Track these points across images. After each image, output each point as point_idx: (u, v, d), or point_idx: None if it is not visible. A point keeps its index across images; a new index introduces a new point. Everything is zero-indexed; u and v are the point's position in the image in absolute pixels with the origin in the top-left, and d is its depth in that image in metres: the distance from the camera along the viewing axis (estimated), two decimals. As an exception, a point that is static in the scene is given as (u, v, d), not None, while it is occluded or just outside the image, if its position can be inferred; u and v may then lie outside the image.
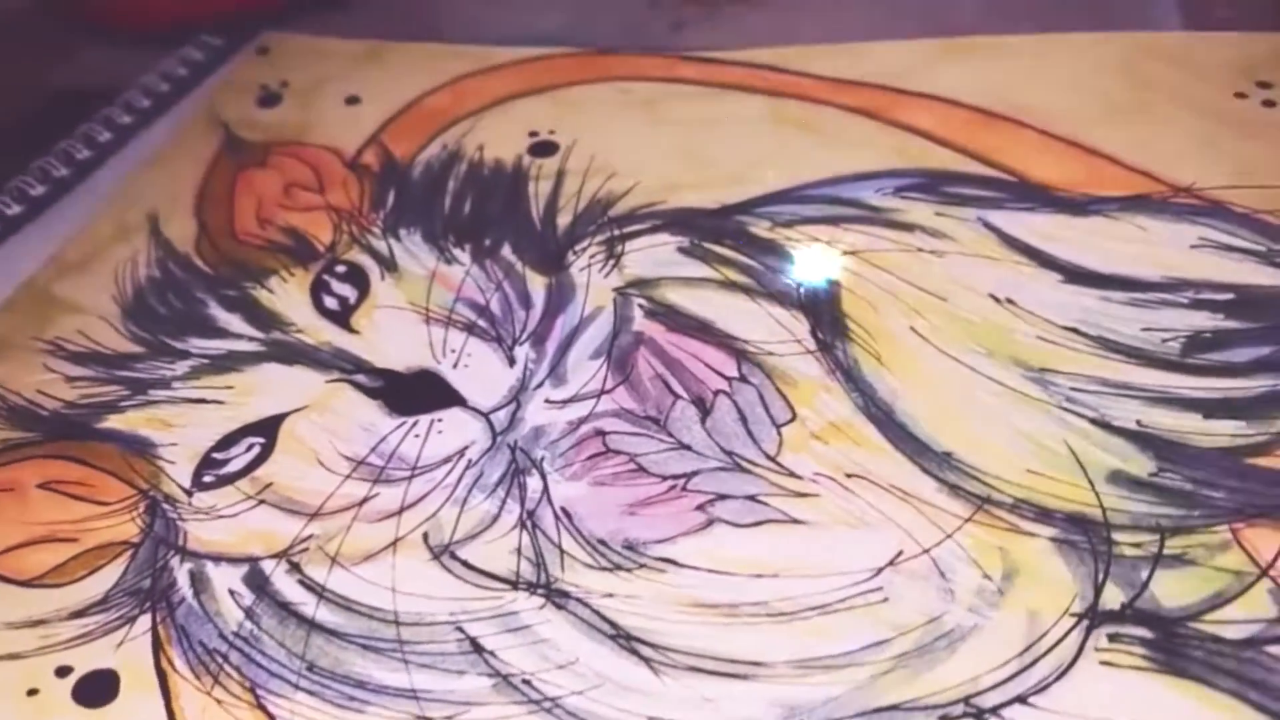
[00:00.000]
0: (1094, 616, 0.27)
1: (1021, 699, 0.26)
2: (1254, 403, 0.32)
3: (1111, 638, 0.27)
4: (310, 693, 0.29)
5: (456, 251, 0.43)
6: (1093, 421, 0.32)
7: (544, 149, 0.48)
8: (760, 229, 0.41)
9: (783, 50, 0.50)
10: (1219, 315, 0.34)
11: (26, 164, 0.53)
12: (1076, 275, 0.37)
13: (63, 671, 0.30)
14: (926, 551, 0.30)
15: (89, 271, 0.46)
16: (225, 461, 0.36)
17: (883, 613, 0.28)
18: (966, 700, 0.26)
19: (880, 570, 0.29)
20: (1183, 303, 0.35)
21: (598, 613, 0.30)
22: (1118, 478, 0.31)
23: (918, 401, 0.34)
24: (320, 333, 0.41)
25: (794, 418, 0.34)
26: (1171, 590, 0.28)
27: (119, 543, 0.34)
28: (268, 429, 0.37)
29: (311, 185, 0.48)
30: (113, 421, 0.39)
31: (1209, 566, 0.28)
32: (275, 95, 0.54)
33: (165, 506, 0.35)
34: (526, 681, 0.28)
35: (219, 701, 0.29)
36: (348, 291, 0.42)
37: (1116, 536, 0.29)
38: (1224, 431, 0.31)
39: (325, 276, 0.43)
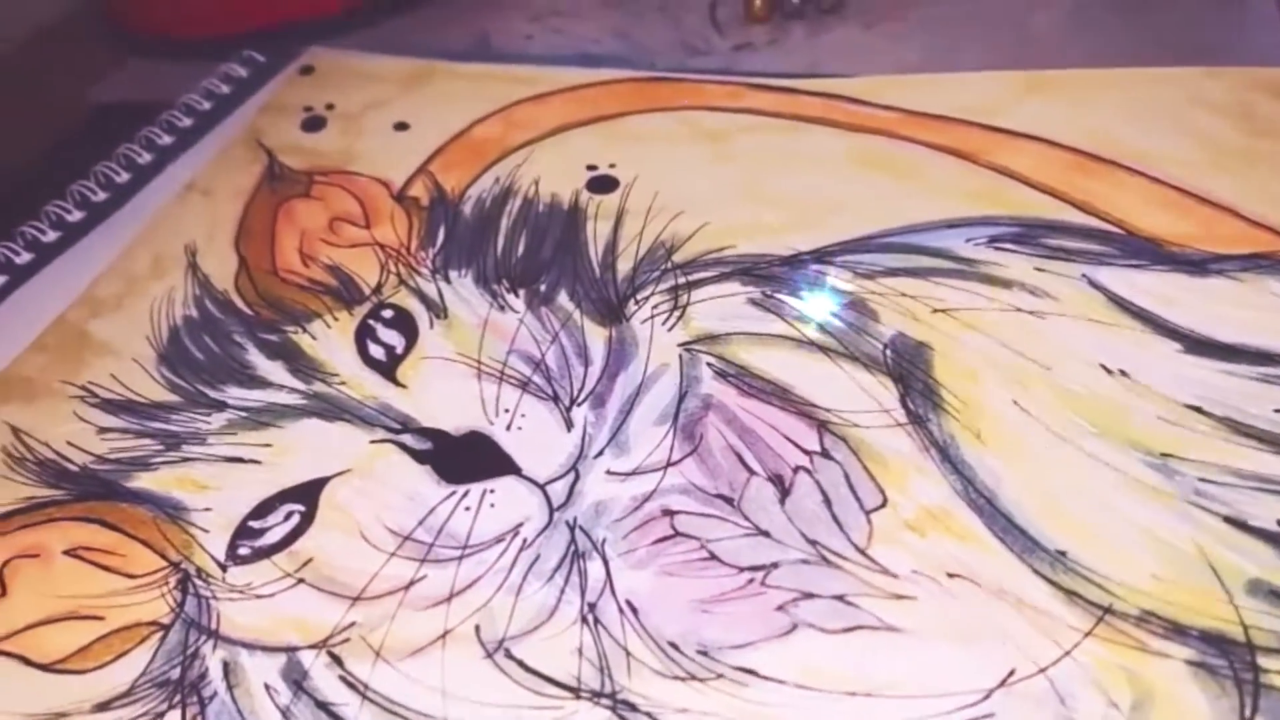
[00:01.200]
0: (1244, 762, 0.24)
1: None
2: None
3: (1267, 792, 0.24)
4: (347, 818, 0.26)
5: (510, 297, 0.40)
6: (1226, 519, 0.29)
7: (603, 184, 0.45)
8: (840, 280, 0.38)
9: (858, 81, 0.46)
10: (1368, 397, 0.31)
11: (65, 186, 0.51)
12: (1197, 345, 0.33)
13: (83, 777, 0.28)
14: (1043, 671, 0.26)
15: (124, 309, 0.43)
16: (262, 531, 0.34)
17: (994, 745, 0.25)
18: None
19: (991, 693, 0.26)
20: (1322, 381, 0.32)
21: (671, 731, 0.26)
22: (1259, 589, 0.27)
23: (1024, 488, 0.30)
24: (364, 385, 0.38)
25: (885, 502, 0.31)
26: (1334, 734, 0.24)
27: (147, 623, 0.31)
28: (308, 495, 0.34)
29: (358, 219, 0.46)
30: (145, 480, 0.36)
31: (1378, 706, 0.24)
32: (320, 119, 0.51)
33: (197, 582, 0.32)
34: (588, 817, 0.25)
35: (253, 821, 0.26)
36: (394, 339, 0.39)
37: (1263, 662, 0.25)
38: (1384, 540, 0.27)
39: (371, 322, 0.40)
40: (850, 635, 0.28)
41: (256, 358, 0.40)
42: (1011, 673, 0.26)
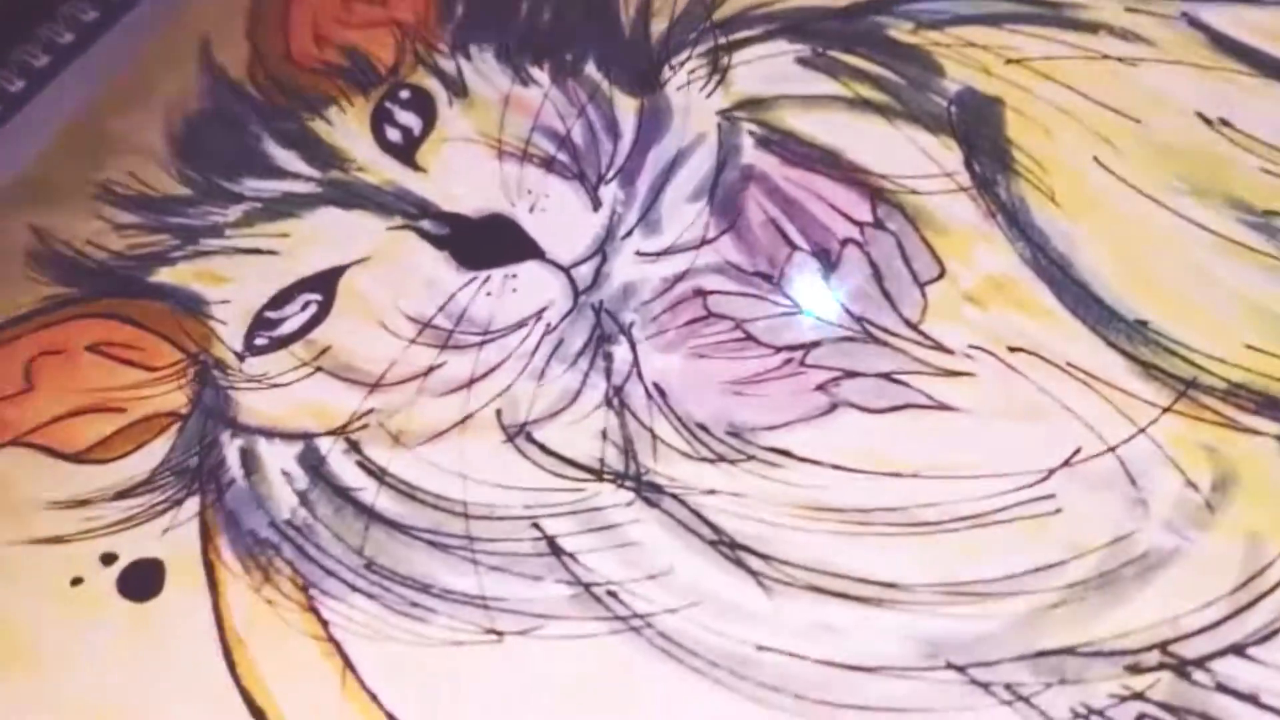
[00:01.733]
0: (1338, 542, 0.21)
1: (1237, 649, 0.20)
2: None
3: (1364, 573, 0.21)
4: (369, 595, 0.25)
5: (534, 70, 0.37)
6: (1339, 280, 0.25)
7: (643, -56, 0.40)
8: (901, 32, 0.34)
9: None
10: None
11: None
12: (1317, 86, 0.29)
13: (108, 559, 0.28)
14: (1112, 450, 0.24)
15: (139, 105, 0.41)
16: (280, 321, 0.32)
17: (1054, 527, 0.23)
18: (1163, 647, 0.21)
19: (1052, 472, 0.24)
20: None
21: (696, 513, 0.25)
22: (1372, 357, 0.24)
23: (1103, 253, 0.27)
24: (382, 170, 0.36)
25: (942, 274, 0.28)
26: None
27: (166, 413, 0.31)
28: (325, 284, 0.33)
29: (375, -3, 0.42)
30: (164, 275, 0.35)
31: None
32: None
33: (216, 373, 0.31)
34: (612, 593, 0.24)
35: (269, 602, 0.25)
36: (412, 121, 0.37)
37: (1372, 436, 0.23)
38: None
39: (388, 104, 0.38)
40: (897, 415, 0.26)
41: (273, 148, 0.38)
42: (1077, 451, 0.24)
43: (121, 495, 0.29)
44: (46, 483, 0.30)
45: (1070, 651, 0.21)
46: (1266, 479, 0.23)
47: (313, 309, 0.33)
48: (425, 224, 0.34)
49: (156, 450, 0.30)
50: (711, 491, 0.25)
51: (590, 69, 0.36)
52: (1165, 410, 0.24)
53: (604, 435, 0.27)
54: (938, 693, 0.21)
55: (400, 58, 0.39)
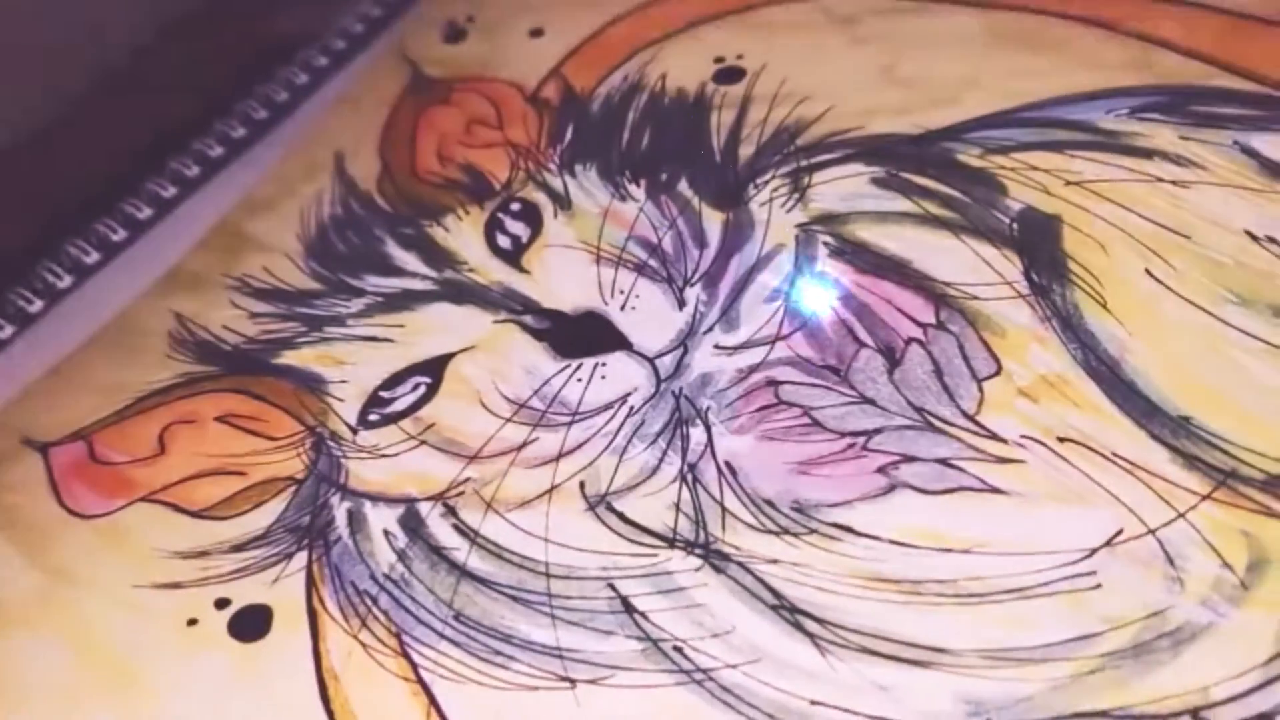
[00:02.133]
0: (1370, 624, 0.22)
1: (1265, 717, 0.22)
2: None
3: (1393, 653, 0.22)
4: (455, 643, 0.28)
5: (631, 188, 0.41)
6: (1376, 385, 0.27)
7: (730, 75, 0.45)
8: (969, 157, 0.37)
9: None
10: None
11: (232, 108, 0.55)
12: (1360, 208, 0.31)
13: (221, 604, 0.31)
14: (1152, 532, 0.25)
15: (277, 211, 0.47)
16: (391, 400, 0.36)
17: (1094, 601, 0.24)
18: (1194, 713, 0.22)
19: (1094, 551, 0.25)
20: None
21: (760, 579, 0.27)
22: (1407, 455, 0.25)
23: (1150, 355, 0.29)
24: (491, 272, 0.40)
25: (999, 371, 0.30)
26: None
27: (284, 478, 0.34)
28: (434, 369, 0.37)
29: (492, 121, 0.47)
30: (288, 358, 0.39)
31: None
32: (461, 31, 0.53)
33: (330, 444, 0.35)
34: (678, 649, 0.26)
35: (364, 645, 0.28)
36: (520, 230, 0.41)
37: (1405, 527, 0.24)
38: None
39: (500, 215, 0.42)
40: (951, 496, 0.28)
41: (394, 249, 0.42)
42: (1119, 532, 0.25)
43: (237, 549, 0.32)
44: (171, 536, 0.33)
45: (1104, 714, 0.22)
46: (1301, 564, 0.24)
47: (422, 390, 0.36)
48: (527, 319, 0.37)
49: (272, 509, 0.34)
50: (775, 561, 0.27)
51: (683, 186, 0.40)
52: (1205, 498, 0.26)
53: (677, 507, 0.29)
54: (978, 747, 0.23)
55: (513, 174, 0.44)
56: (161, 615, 0.31)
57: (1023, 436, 0.28)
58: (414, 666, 0.28)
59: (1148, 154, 0.34)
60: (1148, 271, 0.31)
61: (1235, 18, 0.37)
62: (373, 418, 0.36)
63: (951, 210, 0.35)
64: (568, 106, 0.47)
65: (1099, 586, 0.25)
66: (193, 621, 0.31)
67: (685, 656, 0.26)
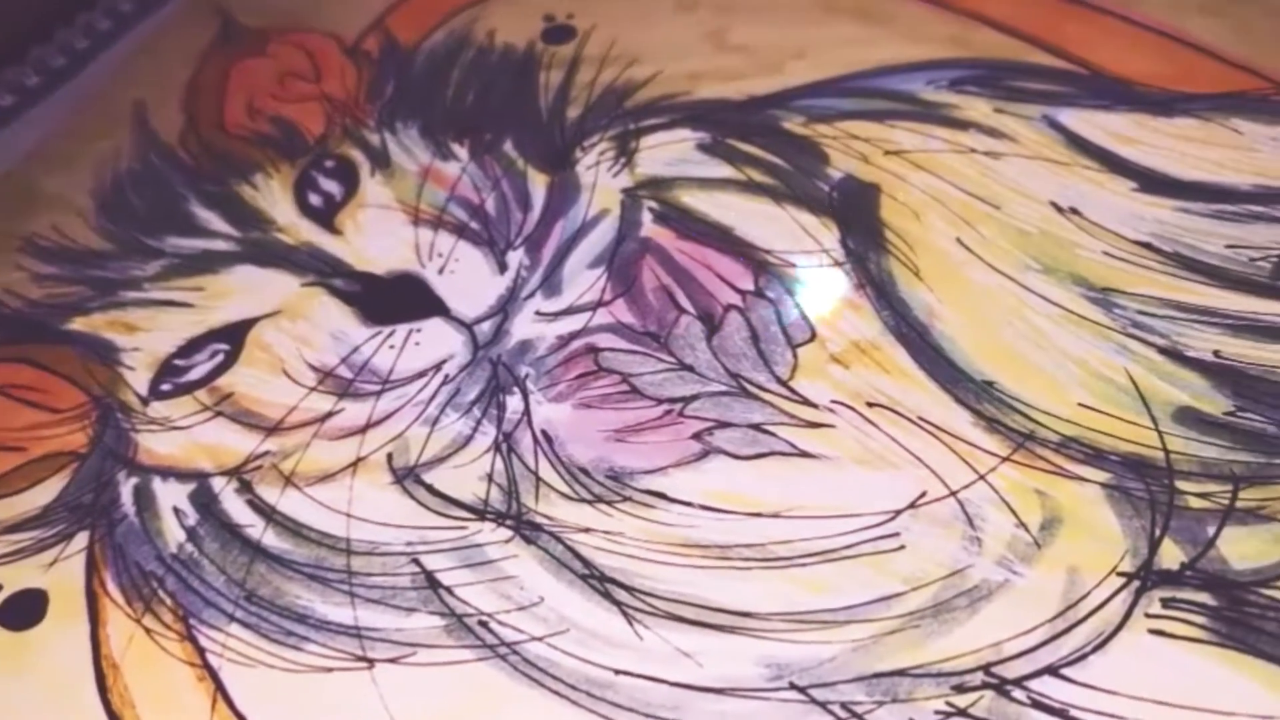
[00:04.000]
0: (1147, 577, 0.24)
1: (1052, 670, 0.23)
2: (1360, 335, 0.27)
3: (1166, 603, 0.23)
4: (246, 624, 0.26)
5: (454, 147, 0.40)
6: (1162, 350, 0.28)
7: (560, 34, 0.44)
8: (794, 125, 0.37)
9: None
10: (1323, 231, 0.30)
11: (25, 54, 0.51)
12: (1153, 183, 0.32)
13: (-10, 589, 0.29)
14: (954, 494, 0.26)
15: (72, 166, 0.43)
16: (187, 369, 0.34)
17: (895, 563, 0.25)
18: (986, 669, 0.23)
19: (898, 514, 0.26)
20: (1276, 215, 0.31)
21: (571, 549, 0.27)
22: (1187, 416, 0.27)
23: (958, 321, 0.30)
24: (300, 232, 0.38)
25: (813, 337, 0.31)
26: (1243, 550, 0.24)
27: (66, 453, 0.32)
28: (234, 335, 0.35)
29: (307, 74, 0.45)
30: (77, 324, 0.36)
31: (1290, 525, 0.24)
32: (277, -26, 0.51)
33: (119, 415, 0.33)
34: (483, 623, 0.25)
35: (148, 631, 0.27)
36: (334, 188, 0.39)
37: (1181, 485, 0.25)
38: (1320, 368, 0.27)
39: (312, 172, 0.40)
40: (762, 461, 0.28)
41: (196, 208, 0.40)
42: (922, 495, 0.26)
43: (10, 530, 0.30)
44: (-63, 517, 0.31)
45: (902, 673, 0.23)
46: (1089, 521, 0.25)
47: (220, 358, 0.34)
48: (336, 282, 0.36)
49: (52, 487, 0.31)
50: (587, 530, 0.27)
51: (508, 147, 0.39)
52: (1004, 460, 0.26)
53: (490, 478, 0.29)
54: (780, 712, 0.23)
55: (329, 130, 0.42)
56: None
57: (833, 402, 0.29)
58: (200, 651, 0.26)
59: (963, 125, 0.35)
60: (959, 240, 0.32)
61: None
62: (165, 387, 0.34)
63: (774, 178, 0.36)
64: (389, 60, 0.45)
65: (902, 548, 0.25)
66: (-43, 609, 0.28)
67: (490, 631, 0.25)
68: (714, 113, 0.38)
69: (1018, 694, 0.22)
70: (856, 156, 0.35)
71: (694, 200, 0.36)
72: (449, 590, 0.26)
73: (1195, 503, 0.25)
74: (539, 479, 0.29)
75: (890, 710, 0.22)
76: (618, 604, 0.25)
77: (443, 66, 0.44)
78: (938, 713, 0.22)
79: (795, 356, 0.30)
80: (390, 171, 0.40)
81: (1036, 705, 0.22)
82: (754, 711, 0.23)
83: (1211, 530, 0.24)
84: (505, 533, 0.27)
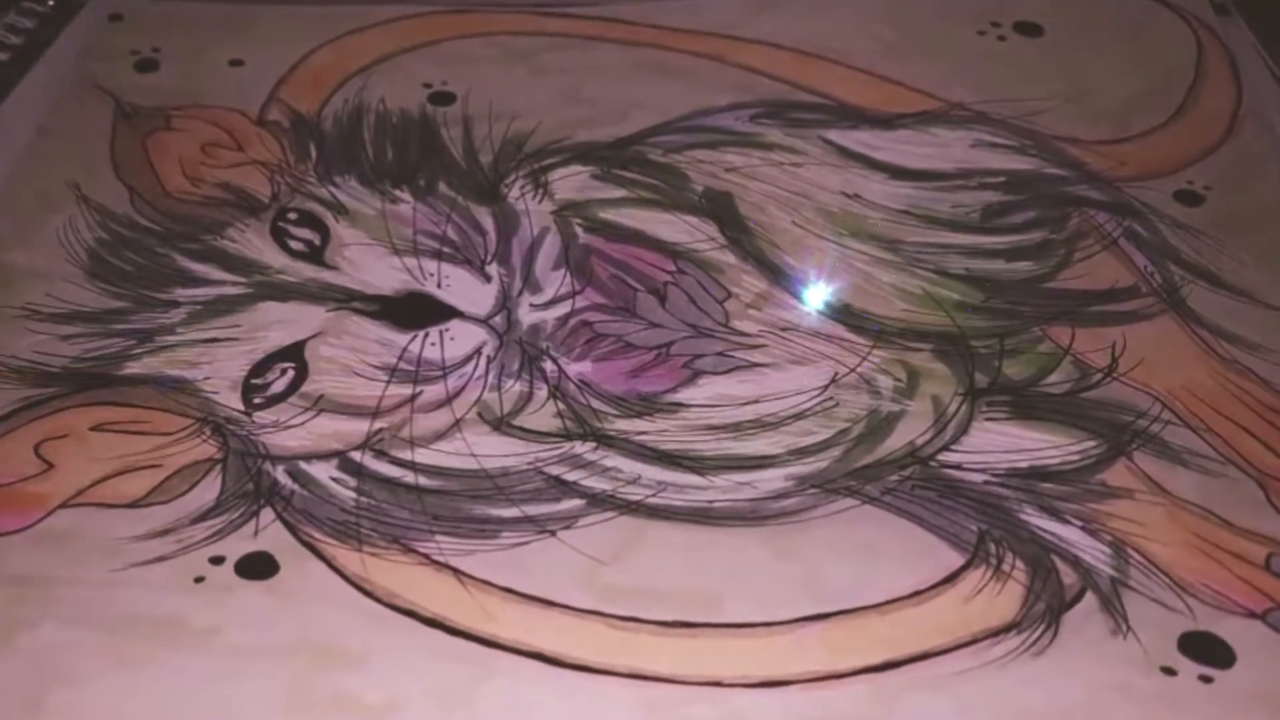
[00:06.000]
0: (973, 393, 0.42)
1: (945, 448, 0.40)
2: (1034, 249, 0.48)
3: (988, 404, 0.41)
4: (447, 534, 0.37)
5: (397, 192, 0.50)
6: (935, 271, 0.47)
7: (442, 98, 0.55)
8: (656, 156, 0.52)
9: (629, 5, 0.60)
10: (999, 192, 0.50)
11: None
12: (898, 173, 0.51)
13: (217, 560, 0.36)
14: (853, 370, 0.43)
15: (30, 243, 0.47)
16: (266, 385, 0.42)
17: (838, 413, 0.41)
18: (912, 454, 0.39)
19: (826, 387, 0.42)
20: (973, 186, 0.50)
21: (640, 445, 0.40)
22: (961, 307, 0.45)
23: (811, 273, 0.47)
24: (300, 271, 0.47)
25: (729, 295, 0.46)
26: (1015, 370, 0.43)
27: (204, 460, 0.39)
28: (294, 354, 0.43)
29: (228, 144, 0.53)
30: (134, 368, 0.43)
31: (1033, 353, 0.43)
32: (151, 61, 0.57)
33: (231, 428, 0.41)
34: (611, 495, 0.38)
35: (374, 554, 0.36)
36: (309, 234, 0.48)
37: (974, 343, 0.43)
38: (1021, 269, 0.47)
39: (280, 223, 0.49)
40: (733, 374, 0.43)
41: (188, 263, 0.47)
42: (836, 374, 0.42)
43: (199, 519, 0.37)
44: (120, 525, 0.37)
45: (868, 466, 0.39)
46: (931, 371, 0.43)
47: (291, 374, 0.43)
48: (357, 304, 0.45)
49: (209, 487, 0.39)
50: (644, 433, 0.40)
51: (443, 189, 0.50)
52: (872, 347, 0.43)
53: (560, 416, 0.41)
54: (812, 499, 0.38)
55: (276, 188, 0.50)
56: (164, 582, 0.36)
57: (760, 330, 0.44)
58: (425, 556, 0.36)
59: (769, 146, 0.52)
60: (794, 223, 0.49)
61: (797, 53, 0.57)
62: (258, 401, 0.42)
63: (657, 194, 0.50)
64: (300, 127, 0.54)
65: (837, 404, 0.41)
66: (199, 579, 0.36)
67: (618, 499, 0.38)
68: (594, 151, 0.52)
69: (932, 463, 0.39)
70: (707, 175, 0.51)
71: (608, 215, 0.49)
72: (575, 484, 0.39)
73: (983, 351, 0.43)
74: (594, 410, 0.41)
75: (872, 486, 0.38)
76: (688, 468, 0.39)
77: (352, 130, 0.54)
78: (895, 479, 0.39)
79: (724, 309, 0.45)
80: (352, 217, 0.49)
81: (943, 467, 0.39)
82: (799, 502, 0.38)
83: (996, 364, 0.43)
84: (591, 444, 0.40)
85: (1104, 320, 0.44)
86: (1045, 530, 0.37)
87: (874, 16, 0.59)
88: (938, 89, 0.55)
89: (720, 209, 0.50)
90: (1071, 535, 0.37)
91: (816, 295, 0.46)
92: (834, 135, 0.53)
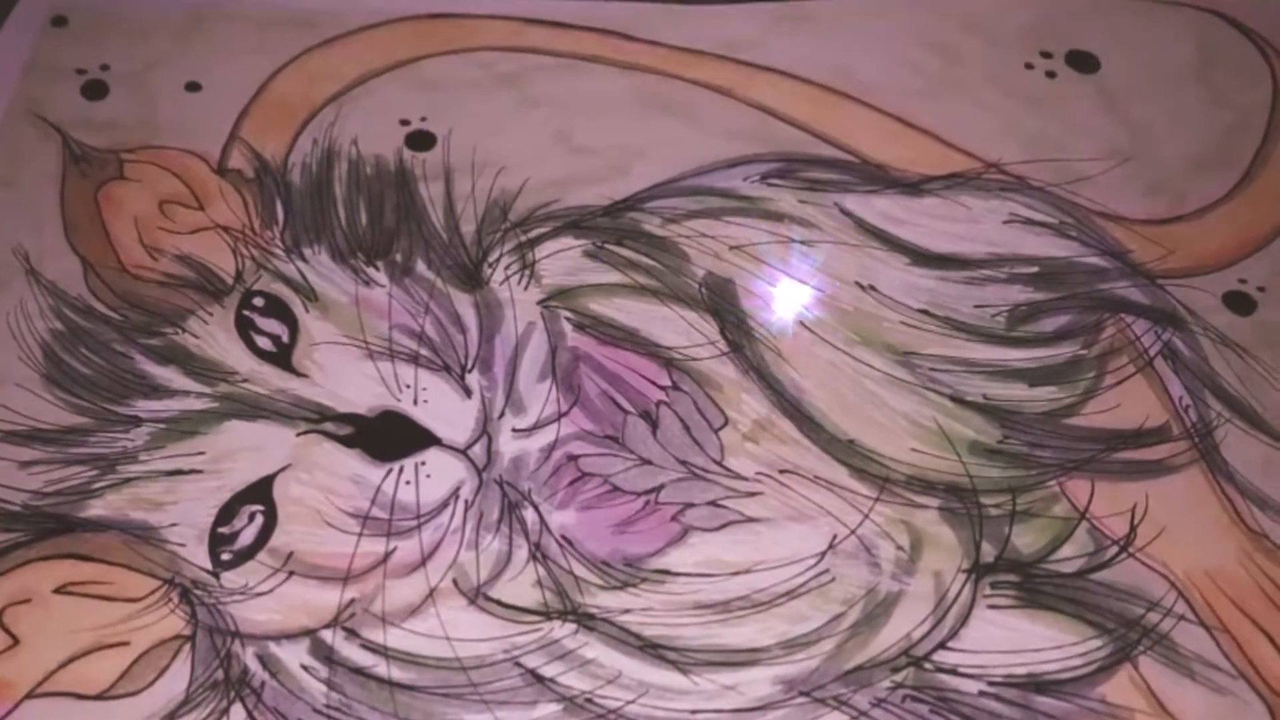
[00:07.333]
0: (978, 570, 0.39)
1: (941, 645, 0.37)
2: (1062, 369, 0.43)
3: (993, 585, 0.38)
4: (418, 747, 0.36)
5: (371, 271, 0.46)
6: (951, 399, 0.42)
7: (421, 140, 0.49)
8: (653, 227, 0.47)
9: (621, 6, 0.52)
10: (1029, 289, 0.45)
11: None
12: (920, 257, 0.46)
13: (188, 773, 0.35)
14: (853, 533, 0.39)
15: (-22, 333, 0.44)
16: (234, 536, 0.40)
17: (833, 591, 0.38)
18: (906, 653, 0.37)
19: (823, 555, 0.39)
20: (1001, 278, 0.45)
21: (623, 629, 0.38)
22: (976, 448, 0.41)
23: (819, 393, 0.43)
24: (268, 379, 0.43)
25: (726, 422, 0.42)
26: (1026, 540, 0.39)
27: (172, 638, 0.38)
28: (261, 494, 0.41)
29: (188, 200, 0.48)
30: (97, 508, 0.40)
31: (1047, 516, 0.40)
32: (100, 84, 0.50)
33: (199, 593, 0.39)
34: (589, 700, 0.36)
35: (345, 771, 0.35)
36: (276, 328, 0.44)
37: (984, 500, 0.40)
38: (1044, 397, 0.42)
39: (246, 313, 0.45)
40: (726, 530, 0.40)
41: (149, 366, 0.43)
42: (835, 537, 0.39)
43: (170, 718, 0.36)
44: (89, 724, 0.36)
45: (860, 668, 0.37)
46: (936, 536, 0.39)
47: (259, 520, 0.40)
48: (329, 427, 0.42)
49: (178, 671, 0.37)
50: (627, 611, 0.38)
51: (421, 268, 0.46)
52: (876, 500, 0.40)
53: (540, 584, 0.39)
54: (799, 712, 0.36)
55: (240, 264, 0.46)
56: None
57: (757, 473, 0.41)
58: (397, 775, 0.35)
59: (779, 217, 0.47)
60: (801, 323, 0.44)
61: (816, 87, 0.50)
62: (226, 557, 0.39)
63: (653, 278, 0.45)
64: (266, 179, 0.49)
65: (833, 580, 0.39)
66: (170, 801, 0.35)
67: (596, 704, 0.36)
68: (586, 219, 0.47)
69: (927, 665, 0.37)
70: (710, 254, 0.46)
71: (599, 307, 0.45)
72: (553, 681, 0.37)
73: (994, 511, 0.40)
74: (575, 577, 0.39)
75: (861, 694, 0.36)
76: (671, 663, 0.37)
77: (322, 183, 0.48)
78: (887, 688, 0.36)
79: (720, 439, 0.42)
80: (321, 304, 0.45)
81: (938, 670, 0.37)
82: (785, 717, 0.36)
83: (1006, 530, 0.39)
84: (571, 627, 0.38)
85: (1128, 472, 0.41)
86: (1038, 762, 0.36)
87: (913, 37, 0.52)
88: (975, 142, 0.48)
89: (721, 302, 0.45)
90: (1065, 769, 0.35)
91: (818, 425, 0.42)
92: (852, 204, 0.47)
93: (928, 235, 0.46)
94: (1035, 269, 0.45)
